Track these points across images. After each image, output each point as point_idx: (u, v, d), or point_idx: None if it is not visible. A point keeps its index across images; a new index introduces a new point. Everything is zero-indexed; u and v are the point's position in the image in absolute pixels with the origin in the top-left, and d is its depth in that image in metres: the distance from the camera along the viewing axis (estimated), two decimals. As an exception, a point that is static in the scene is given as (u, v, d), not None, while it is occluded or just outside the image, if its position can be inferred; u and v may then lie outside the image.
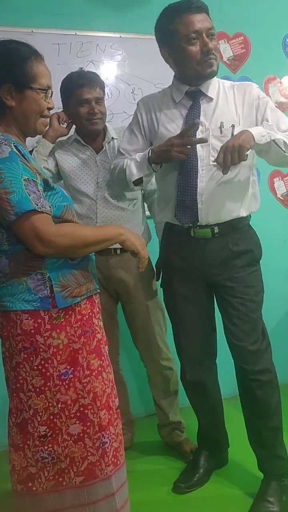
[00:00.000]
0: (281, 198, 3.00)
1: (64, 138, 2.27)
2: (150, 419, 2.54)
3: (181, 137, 1.72)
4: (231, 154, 1.63)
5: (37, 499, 1.45)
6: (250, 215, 1.94)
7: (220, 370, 2.14)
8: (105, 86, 2.55)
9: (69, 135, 2.27)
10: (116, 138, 2.23)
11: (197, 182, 1.81)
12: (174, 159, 1.75)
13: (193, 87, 1.86)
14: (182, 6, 1.76)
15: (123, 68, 2.60)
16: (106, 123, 2.26)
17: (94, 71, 2.24)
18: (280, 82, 2.93)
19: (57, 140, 2.24)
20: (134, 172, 1.84)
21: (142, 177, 1.84)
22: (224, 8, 2.78)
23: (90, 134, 2.19)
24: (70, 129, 2.25)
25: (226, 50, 2.80)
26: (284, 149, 1.71)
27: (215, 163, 1.69)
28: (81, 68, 2.22)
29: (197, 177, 1.81)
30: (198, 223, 1.85)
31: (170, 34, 1.79)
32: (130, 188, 1.93)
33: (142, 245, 1.57)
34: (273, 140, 1.71)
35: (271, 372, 1.92)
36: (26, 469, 1.45)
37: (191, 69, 1.80)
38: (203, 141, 1.74)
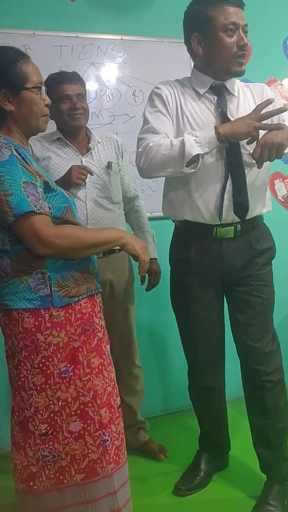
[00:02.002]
0: (281, 200, 3.00)
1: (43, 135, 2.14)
2: (150, 422, 2.53)
3: (261, 120, 1.65)
4: (269, 151, 1.61)
5: (39, 497, 1.46)
6: None
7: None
8: (106, 88, 2.58)
9: (48, 133, 2.14)
10: (100, 142, 2.23)
11: (245, 179, 1.80)
12: (251, 140, 1.66)
13: (217, 81, 1.82)
14: None
15: (124, 70, 2.61)
16: (99, 128, 2.27)
17: (84, 72, 2.23)
18: (281, 84, 2.94)
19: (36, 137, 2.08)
20: (195, 147, 1.65)
21: (199, 156, 1.67)
22: (225, 11, 2.78)
23: (72, 131, 2.16)
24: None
25: (227, 52, 2.81)
26: None
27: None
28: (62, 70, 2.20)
29: (243, 171, 1.79)
30: (222, 221, 1.82)
31: (206, 20, 1.73)
32: (177, 168, 1.69)
33: (143, 248, 1.58)
34: None
35: (282, 371, 1.92)
36: (27, 468, 1.46)
37: (222, 61, 1.75)
38: (279, 127, 1.63)
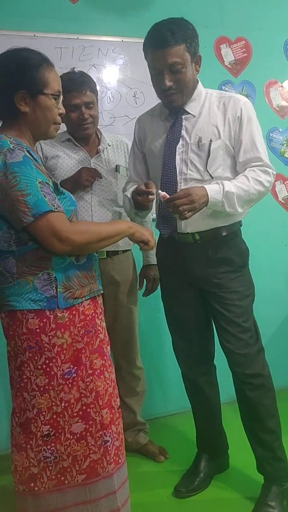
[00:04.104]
0: (282, 201, 3.00)
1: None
2: (150, 423, 2.53)
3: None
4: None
5: (40, 498, 1.46)
6: (240, 222, 1.96)
7: (220, 374, 2.15)
8: (107, 90, 2.58)
9: (60, 132, 2.19)
10: (111, 145, 2.25)
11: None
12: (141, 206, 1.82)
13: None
14: (148, 39, 1.79)
15: (125, 72, 2.62)
16: (101, 130, 2.27)
17: (86, 73, 2.23)
18: (282, 86, 2.94)
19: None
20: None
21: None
22: (225, 13, 2.79)
23: (81, 137, 2.19)
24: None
25: (227, 54, 2.82)
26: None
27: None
28: (73, 68, 2.19)
29: (176, 189, 1.84)
30: (177, 232, 1.88)
31: (148, 63, 1.83)
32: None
33: (151, 234, 1.63)
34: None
35: (264, 376, 1.92)
36: (28, 469, 1.46)
37: (159, 96, 1.89)
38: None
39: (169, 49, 1.73)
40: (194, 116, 1.87)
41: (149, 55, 1.79)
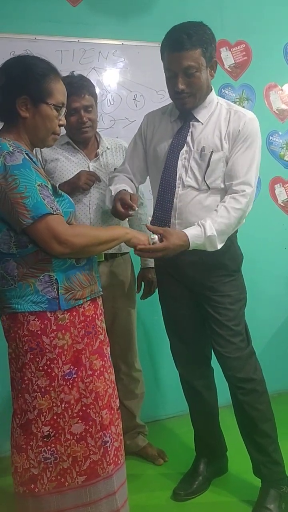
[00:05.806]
0: (282, 204, 3.00)
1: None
2: (149, 426, 2.53)
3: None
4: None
5: (40, 500, 1.46)
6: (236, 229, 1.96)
7: (218, 378, 2.14)
8: (107, 92, 2.59)
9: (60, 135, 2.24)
10: (110, 149, 2.26)
11: (173, 199, 1.86)
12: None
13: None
14: (165, 41, 1.80)
15: (125, 75, 2.62)
16: (100, 133, 2.29)
17: (85, 76, 2.24)
18: (281, 90, 2.95)
19: None
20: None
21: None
22: (226, 16, 2.80)
23: (81, 140, 2.20)
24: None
25: (227, 57, 2.82)
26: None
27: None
28: (72, 72, 2.20)
29: (174, 195, 1.86)
30: None
31: (164, 64, 1.85)
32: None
33: (147, 240, 1.64)
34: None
35: (256, 380, 1.93)
36: (29, 470, 1.46)
37: (171, 98, 1.90)
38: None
39: (184, 53, 1.74)
40: (202, 123, 1.88)
41: (165, 57, 1.80)
